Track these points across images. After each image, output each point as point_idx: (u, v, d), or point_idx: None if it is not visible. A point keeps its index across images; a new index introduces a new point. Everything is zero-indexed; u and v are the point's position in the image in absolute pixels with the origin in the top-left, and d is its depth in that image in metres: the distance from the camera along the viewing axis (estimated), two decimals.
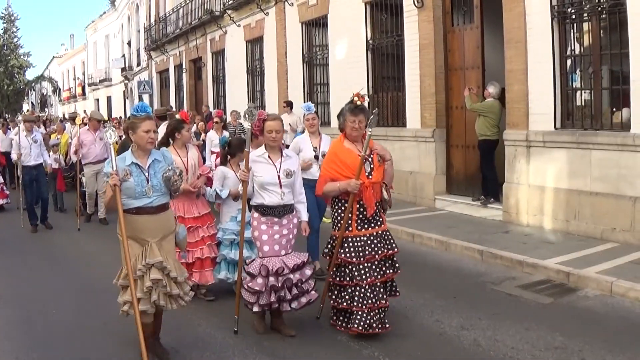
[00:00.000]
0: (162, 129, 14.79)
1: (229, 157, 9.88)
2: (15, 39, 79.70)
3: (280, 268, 7.80)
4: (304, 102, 22.07)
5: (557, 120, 12.88)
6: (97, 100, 67.16)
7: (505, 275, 10.52)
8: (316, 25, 22.60)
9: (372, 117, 7.93)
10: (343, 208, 8.02)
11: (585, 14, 12.46)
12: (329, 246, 8.23)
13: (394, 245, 8.11)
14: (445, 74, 16.15)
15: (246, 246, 9.19)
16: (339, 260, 7.99)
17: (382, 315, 7.82)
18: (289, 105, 22.54)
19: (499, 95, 14.61)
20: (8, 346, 8.07)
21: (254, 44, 27.99)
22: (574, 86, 12.92)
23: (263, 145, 8.20)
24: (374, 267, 7.88)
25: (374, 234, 8.00)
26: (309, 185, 9.92)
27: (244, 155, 8.02)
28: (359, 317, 7.65)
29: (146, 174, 6.96)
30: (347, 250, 7.91)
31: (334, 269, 8.12)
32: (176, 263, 7.22)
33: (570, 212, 12.44)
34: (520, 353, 7.22)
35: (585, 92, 12.76)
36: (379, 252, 7.91)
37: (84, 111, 44.82)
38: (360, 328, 7.61)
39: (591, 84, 12.53)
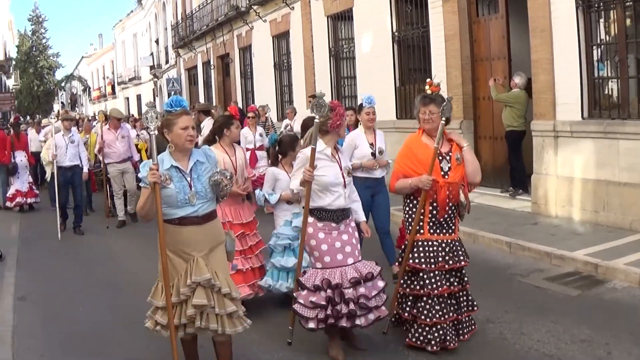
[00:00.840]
0: (208, 123, 14.85)
1: (279, 156, 9.21)
2: (44, 40, 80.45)
3: (344, 280, 6.96)
4: (332, 96, 22.15)
5: (584, 110, 12.75)
6: (127, 98, 67.55)
7: (533, 267, 10.46)
8: (342, 19, 22.57)
9: (445, 104, 7.24)
10: (415, 209, 7.32)
11: (610, 2, 12.34)
12: (399, 251, 7.75)
13: (464, 257, 7.34)
14: (471, 64, 16.09)
15: (294, 254, 8.68)
16: (408, 266, 7.27)
17: (446, 331, 7.07)
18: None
19: (525, 86, 14.52)
20: (34, 344, 8.18)
21: (281, 38, 28.01)
22: (600, 75, 12.80)
23: (320, 141, 7.22)
24: (442, 277, 7.11)
25: (446, 241, 7.23)
26: (366, 184, 9.96)
27: (310, 152, 6.96)
28: (420, 329, 7.11)
29: (188, 179, 6.13)
30: (416, 255, 7.19)
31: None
32: (228, 278, 6.39)
33: (599, 202, 12.34)
34: (545, 346, 7.20)
35: (612, 81, 12.65)
36: (450, 262, 7.14)
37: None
38: (419, 342, 7.09)
39: (618, 72, 12.43)
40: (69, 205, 16.05)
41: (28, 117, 46.46)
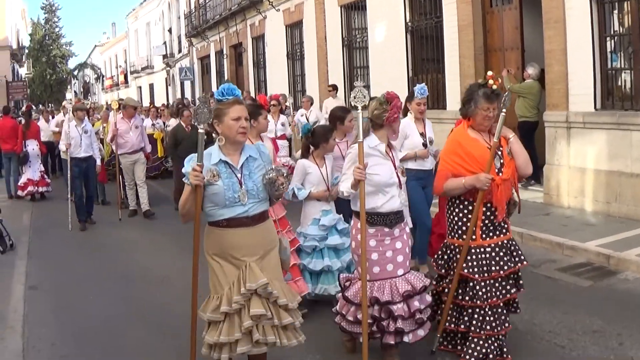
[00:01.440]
0: None
1: (312, 148, 8.55)
2: (56, 29, 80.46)
3: (393, 294, 6.38)
4: (345, 86, 22.15)
5: (597, 101, 12.72)
6: (140, 87, 67.57)
7: (545, 258, 10.45)
8: (355, 9, 22.54)
9: (505, 97, 6.54)
10: (465, 211, 6.59)
11: None
12: (444, 257, 6.84)
13: (522, 257, 6.68)
14: (484, 55, 16.05)
15: (329, 253, 8.35)
16: (462, 275, 6.55)
17: (501, 342, 6.51)
18: (335, 88, 22.15)
19: (538, 77, 14.51)
20: (45, 333, 8.21)
21: (294, 28, 27.98)
22: (614, 66, 12.77)
23: (373, 136, 6.52)
24: (497, 285, 6.47)
25: (499, 243, 6.56)
26: (417, 176, 9.54)
27: (358, 146, 6.08)
28: (473, 344, 6.42)
29: (239, 175, 5.59)
30: (468, 264, 6.51)
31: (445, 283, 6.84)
32: (284, 286, 5.85)
33: (611, 194, 12.32)
34: (557, 337, 7.20)
35: (625, 73, 12.61)
36: (505, 267, 6.47)
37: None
38: (474, 359, 6.38)
39: (631, 64, 12.37)
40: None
41: (40, 106, 46.46)
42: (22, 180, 19.40)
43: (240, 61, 35.63)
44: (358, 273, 6.56)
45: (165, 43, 53.43)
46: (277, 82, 29.10)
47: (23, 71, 68.42)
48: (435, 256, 7.01)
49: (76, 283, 10.48)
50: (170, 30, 52.33)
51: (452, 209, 6.74)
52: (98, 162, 15.83)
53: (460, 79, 16.43)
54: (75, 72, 79.13)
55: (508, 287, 6.54)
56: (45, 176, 20.08)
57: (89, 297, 9.61)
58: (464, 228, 6.59)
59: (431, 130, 9.97)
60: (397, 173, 6.56)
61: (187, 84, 46.46)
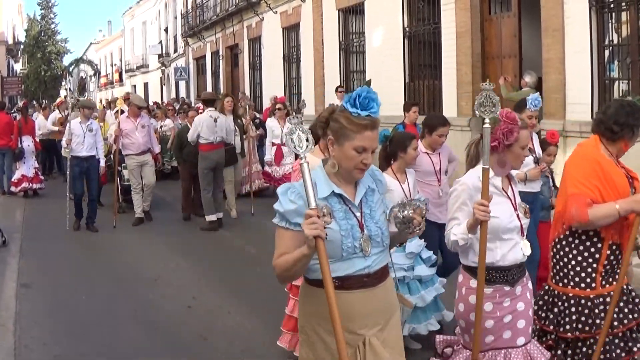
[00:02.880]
0: (201, 117, 14.08)
1: (392, 159, 7.28)
2: (52, 25, 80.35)
3: None
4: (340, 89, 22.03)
5: (594, 111, 12.71)
6: (134, 86, 67.39)
7: None
8: (353, 13, 22.52)
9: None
10: (592, 250, 5.31)
11: (623, 3, 12.33)
12: (549, 308, 5.52)
13: None
14: (482, 62, 16.05)
15: (416, 285, 7.12)
16: (575, 335, 5.27)
17: None
18: (344, 89, 20.82)
19: (535, 85, 14.47)
20: (36, 331, 8.16)
21: (291, 30, 27.96)
22: (611, 76, 12.78)
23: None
24: (617, 341, 5.27)
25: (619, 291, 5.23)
26: (525, 201, 7.83)
27: (483, 176, 4.62)
28: None
29: (358, 215, 3.99)
30: (581, 319, 5.26)
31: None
32: None
33: None
34: None
35: (622, 83, 12.62)
36: (625, 320, 5.25)
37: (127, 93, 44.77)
38: None
39: (629, 74, 12.39)
40: (83, 199, 14.51)
41: (34, 102, 46.34)
42: (16, 176, 19.20)
43: (236, 62, 35.58)
44: (464, 340, 5.27)
45: (161, 42, 53.37)
46: (273, 85, 29.03)
47: (18, 67, 68.21)
48: (535, 307, 5.49)
49: (69, 281, 10.43)
50: (166, 30, 52.26)
51: (567, 248, 5.43)
52: (102, 163, 14.88)
53: (457, 86, 16.43)
54: (71, 68, 78.89)
55: (630, 345, 5.30)
56: (40, 173, 19.94)
57: (82, 296, 9.56)
58: (583, 274, 5.33)
59: (539, 145, 8.73)
60: (517, 214, 5.11)
61: (182, 84, 46.41)
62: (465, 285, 5.13)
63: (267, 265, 10.46)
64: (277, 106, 16.31)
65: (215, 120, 13.97)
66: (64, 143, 14.51)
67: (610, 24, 12.74)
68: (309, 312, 4.10)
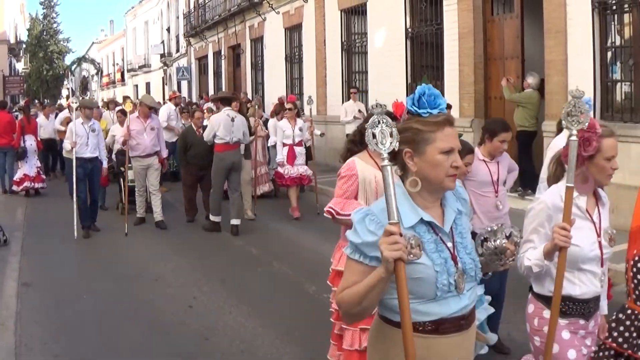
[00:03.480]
0: (217, 118, 13.69)
1: None
2: (54, 25, 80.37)
3: None
4: (343, 91, 22.05)
5: (597, 113, 12.68)
6: (136, 86, 67.39)
7: None
8: (355, 13, 22.55)
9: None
10: None
11: (626, 5, 12.30)
12: (626, 328, 4.88)
13: None
14: (484, 63, 16.04)
15: None
16: (608, 345, 4.84)
17: None
18: (359, 91, 21.01)
19: (538, 86, 14.49)
20: (37, 331, 8.15)
21: (293, 31, 27.97)
22: (614, 78, 12.76)
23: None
24: None
25: None
26: None
27: (565, 195, 4.09)
28: None
29: (450, 245, 3.37)
30: (619, 333, 4.84)
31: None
32: None
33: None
34: None
35: (625, 84, 12.61)
36: None
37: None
38: None
39: (631, 76, 12.37)
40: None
41: (36, 101, 46.37)
42: (18, 175, 19.20)
43: (238, 62, 35.57)
44: None
45: (163, 42, 53.34)
46: (275, 85, 29.04)
47: (20, 66, 68.29)
48: (610, 327, 4.96)
49: (69, 280, 10.43)
50: (168, 30, 52.25)
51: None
52: (105, 164, 14.59)
53: (459, 87, 16.42)
54: (73, 67, 78.90)
55: None
56: (42, 172, 19.92)
57: (83, 295, 9.55)
58: None
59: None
60: (599, 242, 4.53)
61: (184, 83, 46.38)
62: (538, 316, 4.62)
63: (267, 266, 10.53)
64: (288, 106, 15.74)
65: (233, 120, 13.59)
66: (67, 145, 13.99)
67: (612, 26, 12.73)
68: (377, 352, 3.51)
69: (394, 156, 3.28)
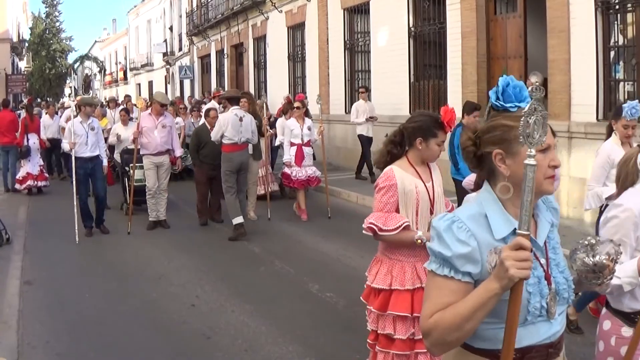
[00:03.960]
0: (224, 117, 13.31)
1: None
2: (57, 23, 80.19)
3: None
4: (345, 89, 22.03)
5: (600, 112, 12.70)
6: (139, 85, 67.46)
7: None
8: (358, 12, 22.54)
9: None
10: None
11: (629, 5, 12.31)
12: None
13: None
14: (487, 62, 16.01)
15: None
16: None
17: None
18: (367, 90, 20.08)
19: (541, 85, 14.48)
20: (39, 329, 8.16)
21: (296, 30, 27.95)
22: (616, 77, 12.76)
23: None
24: None
25: None
26: None
27: None
28: None
29: (543, 262, 2.97)
30: None
31: None
32: None
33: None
34: None
35: (628, 84, 12.60)
36: None
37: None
38: None
39: (634, 75, 12.38)
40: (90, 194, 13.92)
41: (39, 100, 46.38)
42: (21, 173, 19.27)
43: (241, 61, 35.59)
44: None
45: (165, 41, 53.38)
46: (278, 84, 29.04)
47: (23, 64, 68.22)
48: None
49: (72, 279, 10.45)
50: (171, 28, 52.27)
51: None
52: (105, 162, 14.10)
53: (462, 86, 16.41)
54: (76, 65, 78.83)
55: None
56: (45, 170, 19.93)
57: (85, 294, 9.57)
58: None
59: None
60: None
61: (187, 82, 46.41)
62: (615, 334, 4.10)
63: (270, 265, 10.52)
64: (296, 105, 15.20)
65: (241, 120, 13.20)
66: (65, 146, 13.60)
67: (615, 25, 12.72)
68: None
69: (479, 161, 3.03)
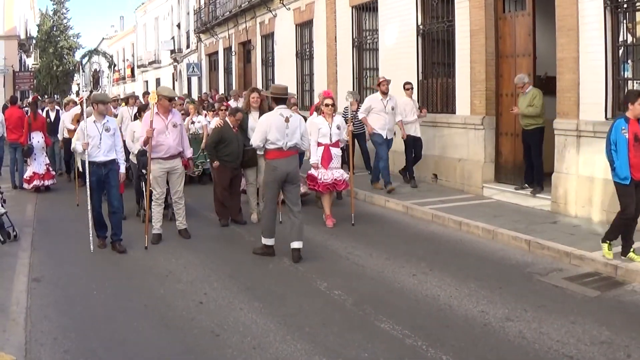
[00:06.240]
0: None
1: None
2: (64, 20, 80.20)
3: None
4: (354, 87, 22.02)
5: (608, 110, 12.66)
6: (146, 82, 67.50)
7: (552, 267, 10.39)
8: (366, 10, 22.48)
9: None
10: None
11: (638, 3, 12.26)
12: None
13: None
14: (495, 60, 15.97)
15: None
16: None
17: None
18: (411, 87, 17.93)
19: (532, 82, 14.47)
20: (47, 326, 8.15)
21: (304, 27, 27.93)
22: (625, 76, 12.72)
23: None
24: None
25: None
26: None
27: None
28: None
29: None
30: None
31: None
32: None
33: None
34: (565, 347, 7.14)
35: (636, 82, 12.56)
36: None
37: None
38: None
39: None
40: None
41: (45, 96, 46.38)
42: (28, 173, 19.19)
43: (249, 59, 35.57)
44: None
45: (173, 38, 53.41)
46: (285, 81, 28.65)
47: (30, 61, 68.36)
48: None
49: (79, 276, 10.42)
50: (179, 26, 52.32)
51: None
52: (122, 169, 12.43)
53: (470, 84, 16.38)
54: (84, 60, 78.78)
55: None
56: (51, 168, 19.78)
57: (93, 291, 9.54)
58: None
59: None
60: None
61: (194, 79, 46.44)
62: None
63: (279, 262, 10.51)
64: (325, 102, 13.73)
65: (287, 121, 11.23)
66: (78, 147, 12.08)
67: (624, 24, 12.69)
68: None
69: None
